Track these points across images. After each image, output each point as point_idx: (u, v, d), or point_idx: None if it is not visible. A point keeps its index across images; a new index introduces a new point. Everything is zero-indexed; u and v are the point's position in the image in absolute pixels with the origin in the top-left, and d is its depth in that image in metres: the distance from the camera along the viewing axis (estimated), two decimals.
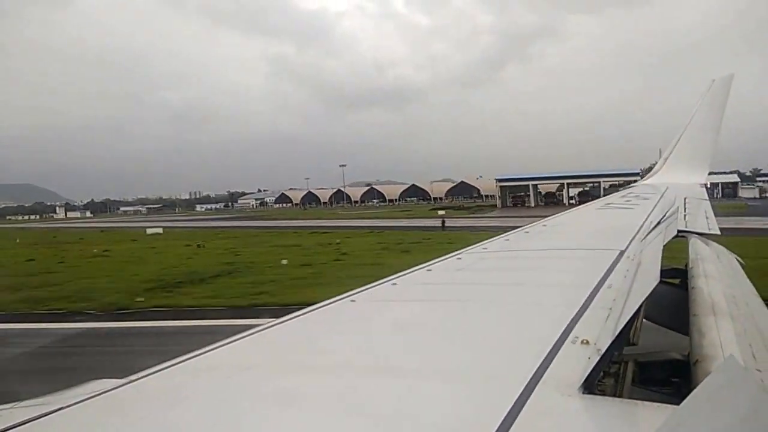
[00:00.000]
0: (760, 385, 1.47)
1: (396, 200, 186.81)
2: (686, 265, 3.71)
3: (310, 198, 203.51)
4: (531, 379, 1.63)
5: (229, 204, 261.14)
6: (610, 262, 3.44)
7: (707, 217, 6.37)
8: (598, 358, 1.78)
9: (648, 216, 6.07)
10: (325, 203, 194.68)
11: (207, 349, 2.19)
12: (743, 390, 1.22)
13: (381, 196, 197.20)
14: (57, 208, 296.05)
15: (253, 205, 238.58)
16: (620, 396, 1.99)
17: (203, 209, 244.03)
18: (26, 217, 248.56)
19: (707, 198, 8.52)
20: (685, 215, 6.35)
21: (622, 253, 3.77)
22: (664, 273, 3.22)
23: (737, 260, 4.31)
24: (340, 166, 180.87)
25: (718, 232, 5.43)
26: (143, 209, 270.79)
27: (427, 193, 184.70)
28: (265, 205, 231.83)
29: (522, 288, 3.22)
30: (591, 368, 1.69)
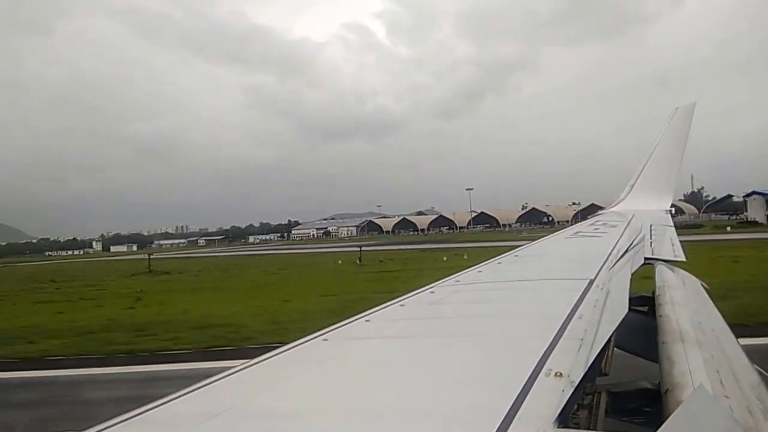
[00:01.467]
0: (730, 414, 1.53)
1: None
2: (653, 292, 3.84)
3: (405, 225, 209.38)
4: (507, 414, 1.65)
5: (285, 235, 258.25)
6: (580, 291, 3.53)
7: (673, 244, 6.59)
8: (571, 390, 1.81)
9: (616, 244, 6.24)
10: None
11: (171, 397, 2.13)
12: (714, 420, 1.26)
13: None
14: (93, 242, 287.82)
15: (314, 235, 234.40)
16: (595, 428, 2.04)
17: (257, 240, 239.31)
18: (70, 253, 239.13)
19: (672, 224, 8.82)
20: (651, 242, 6.56)
21: (591, 282, 3.87)
22: (632, 301, 3.32)
23: (702, 285, 4.47)
24: (466, 189, 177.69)
25: (684, 259, 5.62)
26: (201, 240, 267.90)
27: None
28: (328, 234, 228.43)
29: (495, 320, 3.27)
30: (565, 401, 1.72)
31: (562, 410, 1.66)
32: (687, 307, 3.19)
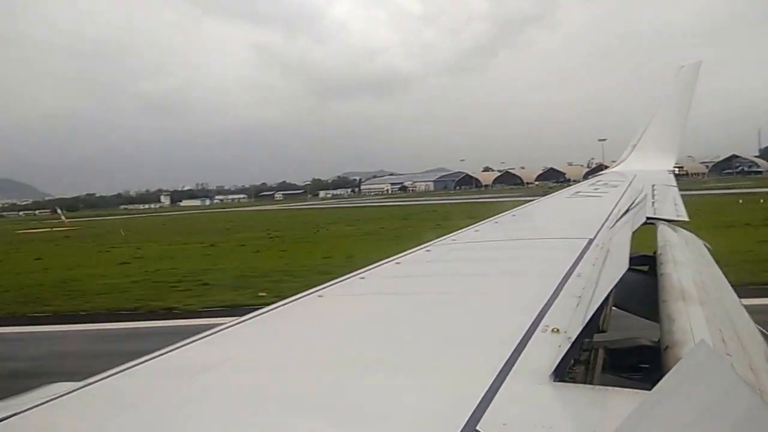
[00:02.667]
0: (732, 368, 1.52)
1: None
2: (655, 252, 3.83)
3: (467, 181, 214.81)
4: (502, 368, 1.66)
5: (355, 190, 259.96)
6: (579, 250, 3.52)
7: (675, 204, 6.56)
8: (568, 345, 1.81)
9: (616, 204, 6.22)
10: (487, 185, 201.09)
11: (170, 348, 2.17)
12: (715, 374, 1.26)
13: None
14: (162, 197, 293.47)
15: (388, 190, 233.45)
16: (591, 383, 2.05)
17: (329, 195, 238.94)
18: (144, 206, 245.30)
19: (675, 185, 8.78)
20: (653, 202, 6.53)
21: (590, 241, 3.86)
22: (632, 260, 3.31)
23: (705, 246, 4.46)
24: (598, 140, 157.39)
25: (687, 219, 5.60)
26: (279, 195, 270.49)
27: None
28: (405, 189, 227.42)
29: (491, 278, 3.26)
30: (562, 356, 1.72)
31: (558, 365, 1.66)
32: (689, 266, 3.17)
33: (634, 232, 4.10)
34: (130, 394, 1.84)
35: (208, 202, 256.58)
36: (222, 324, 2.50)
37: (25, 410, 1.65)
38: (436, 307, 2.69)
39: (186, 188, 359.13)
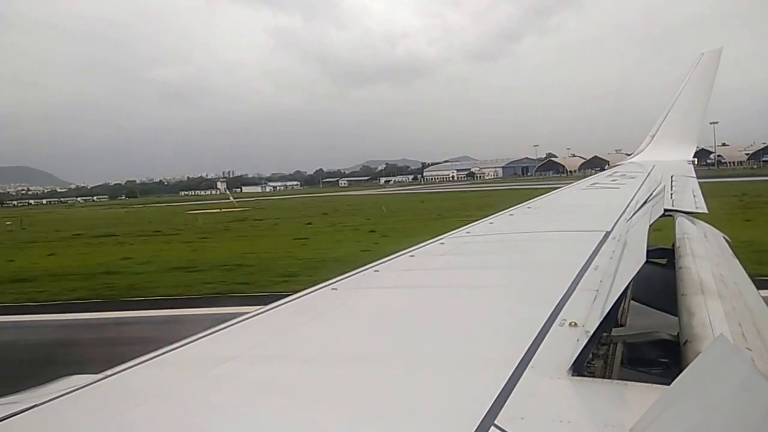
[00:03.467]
0: (752, 364, 1.52)
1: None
2: (673, 245, 3.80)
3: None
4: (520, 362, 1.67)
5: (418, 177, 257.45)
6: (595, 243, 3.51)
7: (695, 195, 6.50)
8: (586, 339, 1.82)
9: (634, 195, 6.17)
10: (572, 171, 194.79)
11: (187, 341, 2.20)
12: (735, 369, 1.25)
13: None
14: (218, 183, 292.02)
15: (454, 177, 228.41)
16: (610, 377, 2.05)
17: (391, 182, 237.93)
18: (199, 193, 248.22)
19: (694, 175, 8.68)
20: (671, 193, 6.47)
21: (608, 234, 3.84)
22: (650, 253, 3.29)
23: (725, 239, 4.42)
24: (711, 123, 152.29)
25: (706, 211, 5.54)
26: (344, 181, 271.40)
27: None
28: (473, 176, 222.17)
29: (507, 272, 3.27)
30: (579, 350, 1.73)
31: (576, 359, 1.67)
32: (708, 259, 3.16)
33: (651, 225, 4.08)
34: (145, 387, 1.87)
35: (268, 188, 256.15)
36: (240, 316, 2.54)
37: (42, 403, 1.67)
38: (451, 301, 2.70)
39: (236, 174, 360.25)
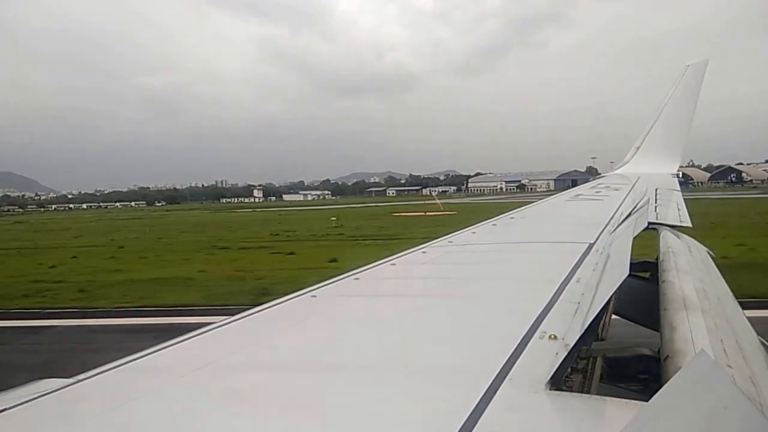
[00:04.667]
0: (732, 380, 1.51)
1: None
2: (657, 258, 3.83)
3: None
4: (497, 374, 1.65)
5: (461, 188, 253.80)
6: (578, 255, 3.52)
7: (679, 209, 6.57)
8: (566, 353, 1.81)
9: (618, 208, 6.23)
10: (701, 182, 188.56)
11: (161, 346, 2.18)
12: (715, 385, 1.25)
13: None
14: (255, 190, 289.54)
15: (501, 188, 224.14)
16: (588, 392, 2.04)
17: (435, 192, 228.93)
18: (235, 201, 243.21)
19: (679, 189, 8.78)
20: (656, 206, 6.54)
21: (591, 246, 3.85)
22: (634, 266, 3.30)
23: (708, 253, 4.47)
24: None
25: (690, 224, 5.60)
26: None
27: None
28: (523, 188, 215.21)
29: (488, 282, 3.26)
30: (558, 364, 1.72)
31: (555, 373, 1.66)
32: (692, 274, 3.18)
33: (635, 238, 4.10)
34: (118, 392, 1.84)
35: (310, 197, 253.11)
36: (215, 322, 2.51)
37: (11, 407, 1.64)
38: (430, 311, 2.69)
39: (270, 184, 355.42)
